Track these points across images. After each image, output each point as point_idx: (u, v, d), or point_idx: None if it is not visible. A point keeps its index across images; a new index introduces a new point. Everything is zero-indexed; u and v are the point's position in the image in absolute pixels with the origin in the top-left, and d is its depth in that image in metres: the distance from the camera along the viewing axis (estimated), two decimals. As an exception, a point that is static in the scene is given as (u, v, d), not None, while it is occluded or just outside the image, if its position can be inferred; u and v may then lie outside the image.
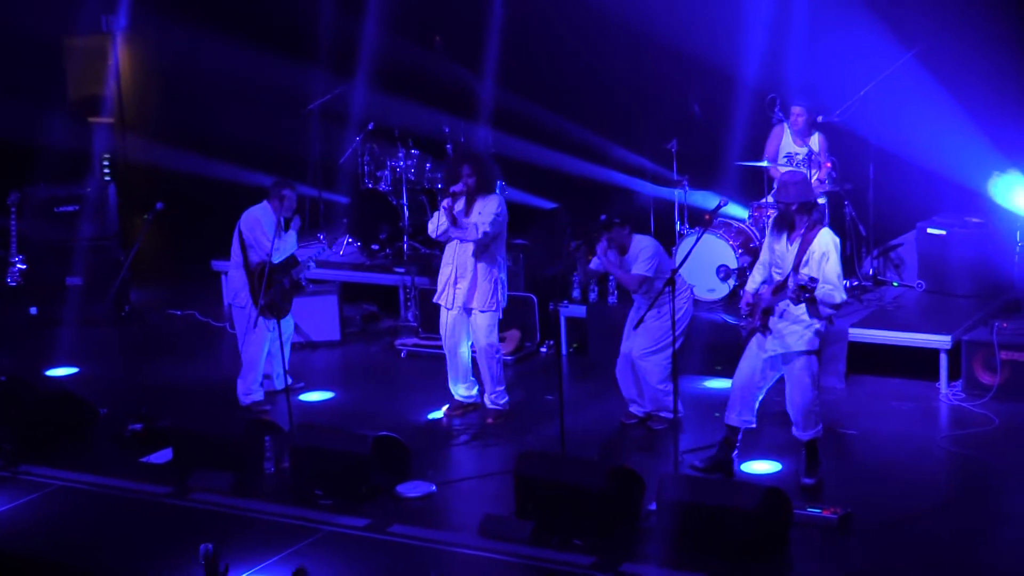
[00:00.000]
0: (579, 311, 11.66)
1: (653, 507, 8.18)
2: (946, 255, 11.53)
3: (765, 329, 8.67)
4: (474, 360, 10.19)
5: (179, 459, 9.50)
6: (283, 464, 9.28)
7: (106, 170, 14.41)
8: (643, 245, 9.76)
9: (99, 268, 13.07)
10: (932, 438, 9.59)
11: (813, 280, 8.26)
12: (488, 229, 9.81)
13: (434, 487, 8.95)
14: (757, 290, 8.84)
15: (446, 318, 10.06)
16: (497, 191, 10.11)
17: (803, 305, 8.51)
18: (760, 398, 8.89)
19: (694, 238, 10.33)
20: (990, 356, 10.11)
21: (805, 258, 8.54)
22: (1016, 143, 11.34)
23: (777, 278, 8.73)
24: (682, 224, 12.07)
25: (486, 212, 9.86)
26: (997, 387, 10.09)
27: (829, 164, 11.37)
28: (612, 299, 11.54)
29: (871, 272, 11.79)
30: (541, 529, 8.18)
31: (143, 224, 11.24)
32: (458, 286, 9.95)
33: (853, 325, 10.72)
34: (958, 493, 8.79)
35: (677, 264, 9.10)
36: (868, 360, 10.70)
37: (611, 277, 10.82)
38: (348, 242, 13.39)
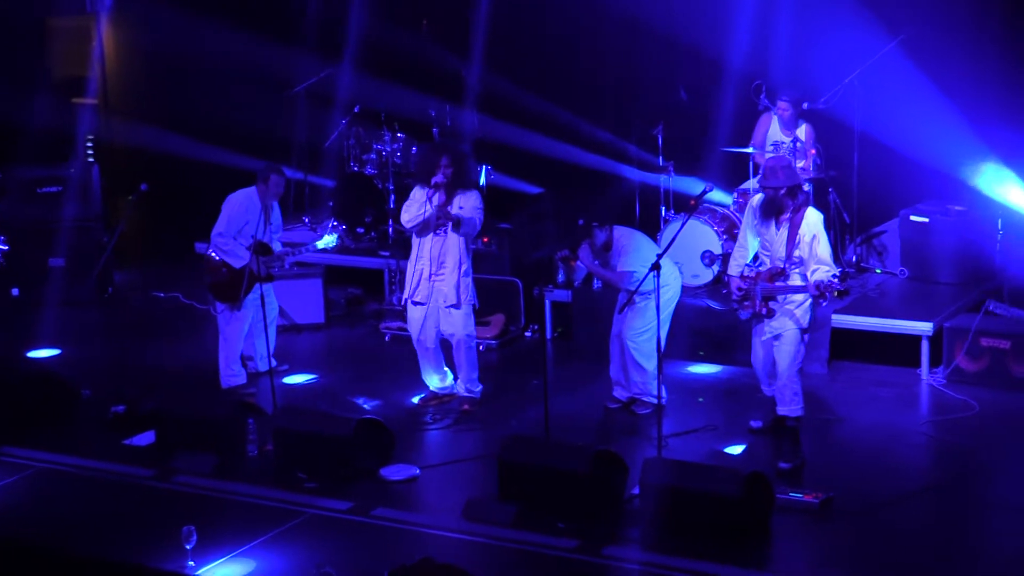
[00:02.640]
0: (564, 296, 11.67)
1: (637, 491, 8.21)
2: (928, 242, 11.57)
3: (771, 313, 8.88)
4: (446, 349, 10.13)
5: (162, 441, 9.49)
6: (266, 447, 9.28)
7: (89, 151, 14.34)
8: (625, 240, 9.75)
9: (82, 249, 13.04)
10: (913, 424, 9.64)
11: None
12: (478, 225, 9.79)
13: (417, 470, 8.96)
14: (743, 273, 8.93)
15: (417, 313, 9.91)
16: (477, 186, 10.02)
17: (796, 280, 8.76)
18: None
19: (679, 224, 10.37)
20: (973, 343, 10.16)
21: (797, 240, 8.71)
22: (997, 132, 11.37)
23: (767, 263, 8.84)
24: (667, 210, 12.08)
25: (469, 207, 9.75)
26: (978, 373, 10.14)
27: (814, 151, 11.40)
28: (596, 284, 11.54)
29: (854, 259, 11.83)
30: (525, 513, 8.20)
31: (127, 206, 11.24)
32: (434, 281, 9.83)
33: (836, 311, 10.75)
34: (939, 479, 8.82)
35: (662, 250, 9.12)
36: (850, 346, 10.74)
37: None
38: (333, 225, 13.38)
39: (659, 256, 8.78)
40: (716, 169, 11.75)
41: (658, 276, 8.73)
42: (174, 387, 10.49)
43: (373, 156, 13.31)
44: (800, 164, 11.29)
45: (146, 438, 9.63)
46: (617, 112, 13.37)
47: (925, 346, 10.42)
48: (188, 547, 7.61)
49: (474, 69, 13.60)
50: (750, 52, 12.11)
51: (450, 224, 9.70)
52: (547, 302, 11.65)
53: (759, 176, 8.92)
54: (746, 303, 8.99)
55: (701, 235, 11.37)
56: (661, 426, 8.70)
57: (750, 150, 11.64)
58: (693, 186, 11.86)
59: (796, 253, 8.75)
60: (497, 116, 13.52)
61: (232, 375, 10.54)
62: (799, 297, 8.84)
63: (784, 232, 8.79)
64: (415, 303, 9.89)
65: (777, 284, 8.84)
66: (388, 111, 13.49)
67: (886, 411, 9.86)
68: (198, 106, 14.44)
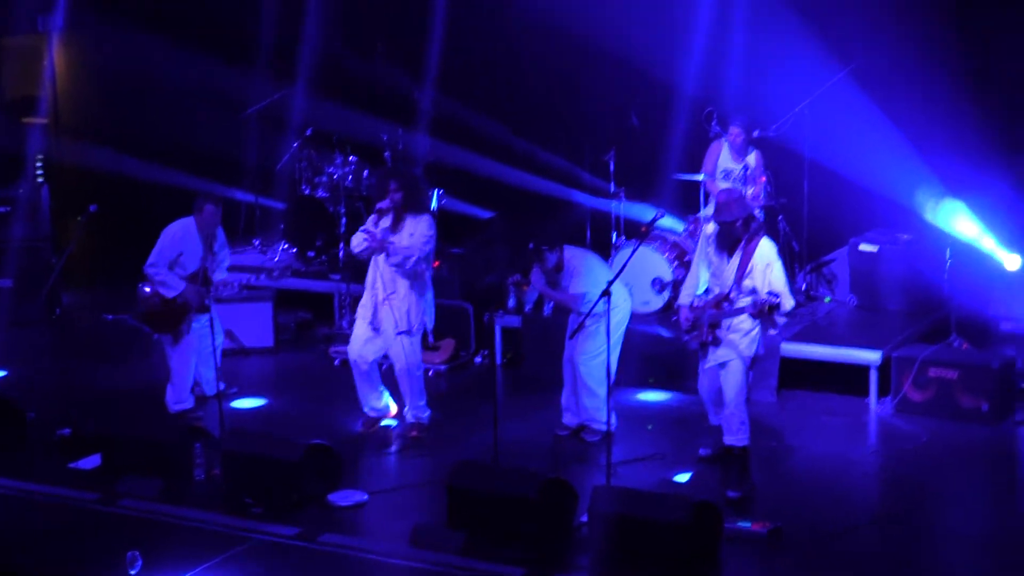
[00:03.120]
0: (514, 321, 11.67)
1: (585, 519, 8.20)
2: (877, 271, 11.66)
3: (716, 342, 8.85)
4: (389, 376, 10.05)
5: (108, 465, 9.40)
6: (213, 471, 9.21)
7: (39, 171, 14.22)
8: (576, 261, 9.75)
9: (30, 270, 12.93)
10: (862, 453, 9.69)
11: (775, 295, 8.45)
12: (421, 256, 9.66)
13: (366, 496, 8.91)
14: (692, 303, 8.93)
15: (360, 331, 9.85)
16: (428, 210, 9.95)
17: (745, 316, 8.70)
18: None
19: (630, 250, 10.38)
20: (920, 373, 10.22)
21: (748, 269, 8.73)
22: (945, 161, 11.47)
23: (715, 291, 8.87)
24: (618, 236, 12.12)
25: (418, 234, 9.68)
26: (925, 403, 10.21)
27: (764, 179, 11.46)
28: (547, 309, 11.54)
29: (804, 287, 11.89)
30: (473, 539, 8.17)
31: (76, 227, 11.15)
32: (384, 305, 9.78)
33: (786, 340, 10.80)
34: (887, 508, 8.87)
35: (613, 276, 9.12)
36: (800, 375, 10.79)
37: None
38: (284, 248, 13.32)
39: (609, 283, 8.78)
40: (668, 196, 11.80)
41: (608, 301, 8.74)
42: (121, 410, 10.42)
43: (325, 179, 13.27)
44: (750, 191, 11.35)
45: (92, 461, 9.54)
46: (569, 137, 13.41)
47: (874, 375, 10.48)
48: (132, 572, 7.56)
49: (427, 93, 13.61)
50: (702, 79, 12.17)
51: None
52: (497, 327, 11.64)
53: (713, 212, 8.94)
54: (694, 332, 8.99)
55: (652, 262, 11.40)
56: (611, 453, 8.70)
57: (701, 177, 11.70)
58: (644, 212, 11.90)
59: (746, 282, 8.76)
60: (449, 140, 13.54)
61: (179, 401, 10.45)
62: (745, 326, 8.82)
63: (736, 261, 8.83)
64: (363, 320, 9.82)
65: (723, 308, 8.86)
66: (340, 134, 13.46)
67: (835, 440, 9.90)
68: (150, 127, 14.37)
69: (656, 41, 12.31)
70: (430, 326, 10.01)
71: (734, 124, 11.53)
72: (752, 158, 11.55)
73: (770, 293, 8.58)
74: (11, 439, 9.94)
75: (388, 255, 9.65)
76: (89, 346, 12.36)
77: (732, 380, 8.92)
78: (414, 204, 9.77)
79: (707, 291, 9.06)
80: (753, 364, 9.02)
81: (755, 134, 11.59)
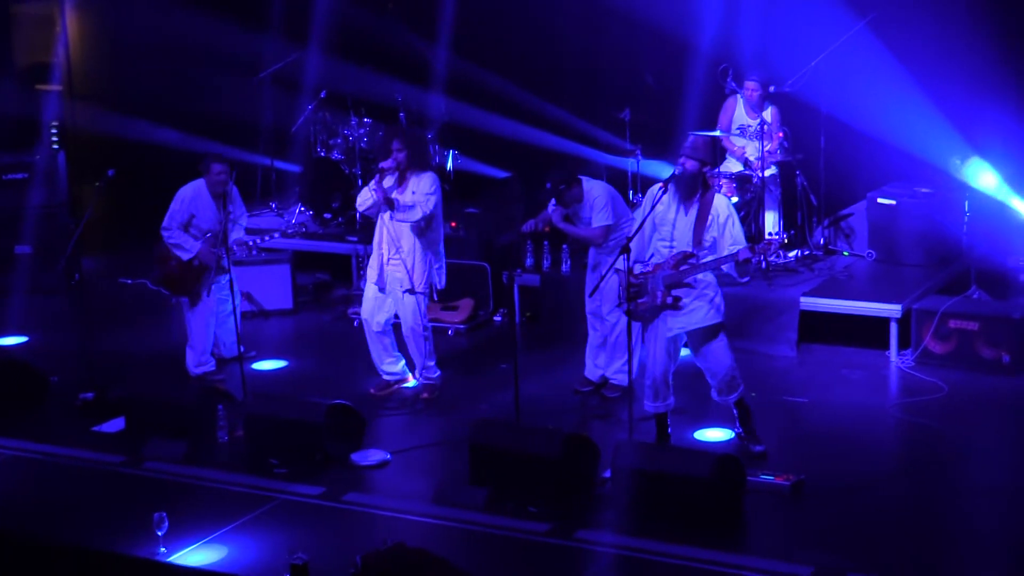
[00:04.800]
0: (533, 280, 11.67)
1: (608, 474, 8.22)
2: (896, 225, 11.62)
3: (676, 305, 8.48)
4: (399, 336, 10.05)
5: (132, 428, 9.45)
6: (237, 433, 9.26)
7: (55, 138, 14.24)
8: (596, 193, 9.63)
9: (49, 236, 12.97)
10: (882, 406, 9.69)
11: (776, 235, 8.19)
12: (428, 211, 9.62)
13: (388, 455, 8.95)
14: (631, 267, 8.53)
15: (371, 293, 9.86)
16: (431, 168, 9.88)
17: (708, 276, 8.43)
18: (671, 377, 8.78)
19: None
20: (940, 325, 10.22)
21: (708, 223, 8.41)
22: (965, 112, 11.42)
23: (665, 252, 8.53)
24: (635, 194, 12.10)
25: (420, 191, 9.65)
26: (946, 355, 10.21)
27: (781, 134, 11.43)
28: (565, 268, 11.57)
29: (822, 241, 11.86)
30: (496, 497, 8.21)
31: (93, 192, 11.14)
32: (389, 265, 9.78)
33: (804, 294, 10.80)
34: (908, 460, 8.89)
35: (631, 234, 9.08)
36: (819, 329, 10.78)
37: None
38: (300, 210, 13.34)
39: (628, 240, 8.73)
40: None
41: (627, 258, 8.71)
42: (143, 374, 10.47)
43: (340, 141, 13.27)
44: (768, 147, 11.33)
45: (115, 425, 9.59)
46: (584, 96, 13.37)
47: (894, 328, 10.47)
48: (160, 533, 7.60)
49: (440, 53, 13.57)
50: (717, 35, 12.12)
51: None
52: (516, 286, 11.66)
53: (681, 151, 8.61)
54: (641, 300, 8.51)
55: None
56: (632, 410, 8.71)
57: (717, 133, 11.66)
58: (661, 170, 11.88)
59: (707, 236, 8.38)
60: (464, 100, 13.50)
61: (200, 363, 10.49)
62: (709, 292, 8.45)
63: (692, 216, 8.44)
64: (372, 284, 9.84)
65: (684, 268, 8.44)
66: (355, 96, 13.44)
67: (855, 393, 9.91)
68: (164, 91, 14.37)
69: (671, -3, 12.26)
70: (440, 285, 9.97)
71: (749, 79, 11.49)
72: (768, 113, 11.50)
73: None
74: (35, 404, 10.01)
75: (393, 211, 9.64)
76: (109, 311, 12.39)
77: (717, 348, 8.59)
78: (417, 163, 9.74)
79: (645, 258, 8.63)
80: (725, 327, 8.66)
81: (771, 89, 11.54)
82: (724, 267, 8.53)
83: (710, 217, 8.42)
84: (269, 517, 8.18)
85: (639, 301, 8.54)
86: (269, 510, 8.26)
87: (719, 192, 8.62)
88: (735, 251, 8.34)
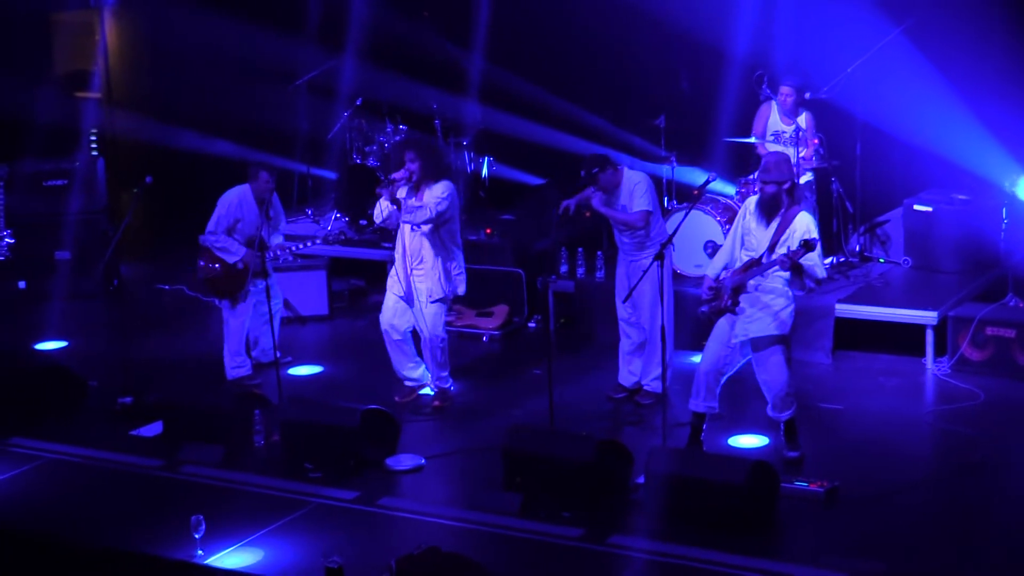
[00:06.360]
0: (567, 286, 11.70)
1: (641, 480, 8.24)
2: (932, 231, 11.57)
3: (734, 309, 8.58)
4: (418, 344, 10.05)
5: (169, 432, 9.53)
6: (273, 437, 9.32)
7: (94, 145, 14.39)
8: (635, 180, 9.62)
9: (88, 242, 13.09)
10: (918, 413, 9.66)
11: (811, 240, 8.20)
12: (431, 214, 9.56)
13: (423, 460, 8.99)
14: (718, 275, 8.73)
15: (390, 302, 9.88)
16: (446, 177, 9.83)
17: (778, 286, 8.48)
18: (723, 382, 8.85)
19: (682, 214, 10.37)
20: (977, 332, 10.17)
21: (784, 237, 8.49)
22: (1002, 119, 11.37)
23: (745, 259, 8.65)
24: (670, 200, 12.10)
25: (430, 196, 9.66)
26: (983, 362, 10.16)
27: (816, 141, 11.41)
28: (600, 275, 11.59)
29: (857, 248, 11.83)
30: (529, 502, 8.23)
31: (131, 198, 11.25)
32: (410, 274, 9.79)
33: (840, 301, 10.78)
34: (943, 468, 8.85)
35: (666, 239, 9.10)
36: (855, 336, 10.76)
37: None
38: (336, 217, 13.41)
39: (662, 247, 8.77)
40: (718, 159, 11.77)
41: (661, 266, 8.72)
42: (180, 379, 10.55)
43: (375, 148, 13.32)
44: (803, 153, 11.31)
45: (153, 429, 9.68)
46: (619, 102, 13.38)
47: (930, 335, 10.43)
48: (197, 536, 7.66)
49: (475, 60, 13.61)
50: (752, 41, 12.10)
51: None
52: (550, 292, 11.68)
53: (758, 173, 8.74)
54: (714, 302, 8.70)
55: (703, 225, 11.38)
56: (666, 416, 8.72)
57: (752, 140, 11.65)
58: (695, 176, 11.88)
59: (781, 248, 8.45)
60: (499, 107, 13.53)
61: (236, 366, 10.57)
62: (778, 303, 8.50)
63: (773, 228, 8.56)
64: (392, 293, 9.87)
65: (749, 272, 8.53)
66: (390, 103, 13.50)
67: (891, 400, 9.88)
68: (201, 99, 14.46)
69: (705, 3, 12.25)
70: (461, 292, 9.96)
71: (784, 84, 11.48)
72: (803, 119, 11.49)
73: (802, 239, 8.30)
74: (74, 408, 10.11)
75: (403, 212, 9.63)
76: (147, 317, 12.49)
77: (774, 362, 8.61)
78: (431, 173, 9.71)
79: (731, 265, 8.74)
80: (788, 342, 8.68)
81: (807, 96, 11.52)
82: (785, 275, 8.49)
83: (788, 231, 8.51)
84: (304, 521, 8.23)
85: (712, 303, 8.69)
86: (304, 514, 8.32)
87: (803, 210, 8.63)
88: (776, 258, 8.36)
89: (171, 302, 12.92)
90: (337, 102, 13.87)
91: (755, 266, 8.52)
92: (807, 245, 8.17)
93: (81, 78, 14.74)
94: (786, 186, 8.59)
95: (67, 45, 15.06)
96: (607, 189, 9.61)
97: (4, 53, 14.15)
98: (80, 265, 12.99)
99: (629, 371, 9.95)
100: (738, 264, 8.68)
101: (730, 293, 8.59)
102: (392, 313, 9.90)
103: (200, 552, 7.71)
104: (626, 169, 9.70)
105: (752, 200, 8.79)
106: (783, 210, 8.58)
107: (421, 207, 9.61)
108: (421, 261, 9.75)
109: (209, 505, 8.25)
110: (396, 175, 9.73)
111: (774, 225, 8.58)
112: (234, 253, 10.42)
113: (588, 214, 9.94)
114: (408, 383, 10.12)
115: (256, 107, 13.95)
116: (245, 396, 9.63)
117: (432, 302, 9.75)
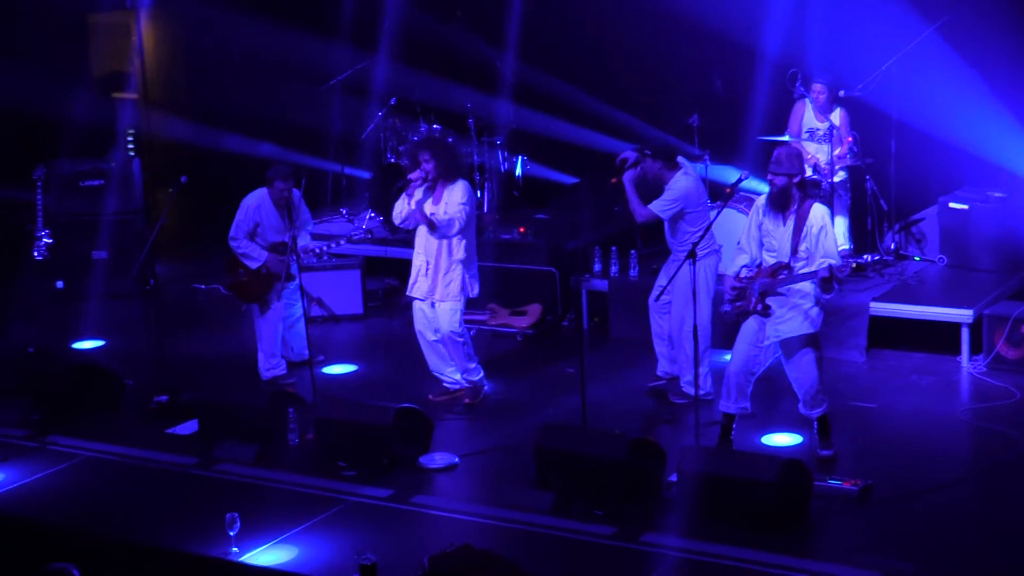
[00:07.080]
0: (601, 285, 11.70)
1: (674, 478, 8.24)
2: (968, 229, 11.52)
3: (766, 313, 8.57)
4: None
5: (204, 430, 9.59)
6: (307, 436, 9.37)
7: (130, 145, 14.49)
8: (675, 184, 9.63)
9: (124, 242, 13.18)
10: (953, 411, 9.62)
11: (850, 259, 8.20)
12: (461, 224, 9.63)
13: (456, 458, 9.02)
14: (739, 273, 8.70)
15: (419, 308, 9.94)
16: (462, 176, 9.86)
17: (806, 286, 8.46)
18: (753, 382, 8.84)
19: (715, 212, 10.35)
20: (1013, 331, 10.12)
21: (803, 234, 8.46)
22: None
23: (770, 260, 8.61)
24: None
25: (452, 202, 9.69)
26: (1018, 361, 10.10)
27: (851, 139, 11.38)
28: (633, 273, 11.59)
29: (892, 246, 11.79)
30: (562, 500, 8.25)
31: (167, 198, 11.32)
32: (429, 276, 9.84)
33: (874, 299, 10.74)
34: (979, 466, 8.82)
35: (698, 239, 9.10)
36: (889, 334, 10.72)
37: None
38: (370, 216, 13.45)
39: (694, 246, 8.76)
40: (752, 158, 11.72)
41: (693, 266, 8.70)
42: (216, 378, 10.62)
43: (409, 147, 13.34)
44: (837, 151, 11.28)
45: (189, 427, 9.74)
46: (653, 101, 13.35)
47: (965, 333, 10.39)
48: (232, 534, 7.71)
49: (509, 59, 13.63)
50: (785, 40, 12.07)
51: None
52: (584, 291, 11.69)
53: (769, 166, 8.69)
54: (739, 303, 8.65)
55: (737, 223, 11.31)
56: (699, 414, 8.71)
57: (786, 138, 11.62)
58: (729, 175, 11.85)
59: (802, 247, 8.43)
60: (532, 106, 13.54)
61: (271, 367, 10.62)
62: (806, 304, 8.48)
63: (791, 226, 8.50)
64: (414, 298, 9.93)
65: (779, 278, 8.52)
66: (424, 102, 13.53)
67: (925, 399, 9.84)
68: (236, 100, 14.51)
69: (738, 1, 12.22)
70: (473, 293, 9.98)
71: (818, 81, 11.44)
72: (837, 116, 11.46)
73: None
74: (111, 407, 10.20)
75: (432, 228, 9.69)
76: (182, 315, 12.58)
77: (807, 361, 8.61)
78: (447, 173, 9.74)
79: (752, 264, 8.72)
80: (818, 341, 8.67)
81: (841, 94, 11.49)
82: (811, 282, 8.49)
83: (805, 228, 8.46)
84: (338, 519, 8.27)
85: (736, 304, 8.64)
86: (338, 512, 8.36)
87: (816, 202, 8.60)
88: (818, 268, 8.33)
89: (206, 301, 13.00)
90: (371, 102, 13.93)
91: (785, 269, 8.49)
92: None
93: (117, 79, 14.85)
94: (796, 179, 8.52)
95: (103, 46, 15.16)
96: (648, 175, 9.64)
97: (41, 54, 14.26)
98: (117, 265, 13.08)
99: (668, 359, 9.94)
100: (764, 265, 8.64)
101: (758, 297, 8.56)
102: (420, 315, 9.95)
103: (235, 549, 7.76)
104: (680, 173, 9.67)
105: (761, 198, 8.73)
106: (796, 205, 8.52)
107: (450, 221, 9.65)
108: (438, 263, 9.80)
109: (244, 503, 8.31)
110: (412, 175, 9.77)
111: (791, 223, 8.51)
112: (256, 259, 10.46)
113: (614, 180, 9.85)
114: (447, 384, 10.16)
115: (290, 107, 14.01)
116: (279, 395, 9.68)
117: (448, 301, 9.78)
